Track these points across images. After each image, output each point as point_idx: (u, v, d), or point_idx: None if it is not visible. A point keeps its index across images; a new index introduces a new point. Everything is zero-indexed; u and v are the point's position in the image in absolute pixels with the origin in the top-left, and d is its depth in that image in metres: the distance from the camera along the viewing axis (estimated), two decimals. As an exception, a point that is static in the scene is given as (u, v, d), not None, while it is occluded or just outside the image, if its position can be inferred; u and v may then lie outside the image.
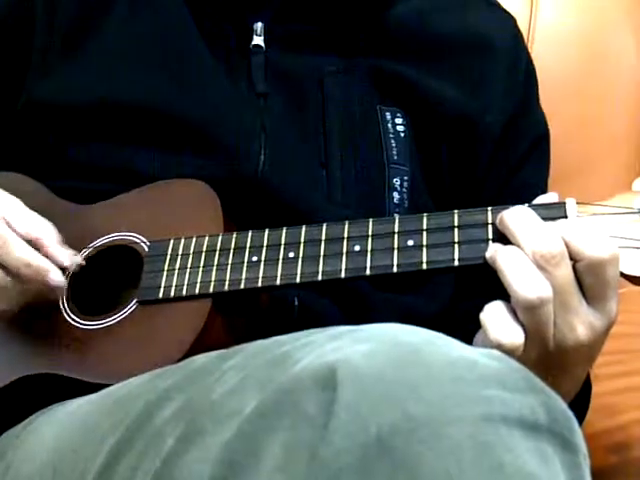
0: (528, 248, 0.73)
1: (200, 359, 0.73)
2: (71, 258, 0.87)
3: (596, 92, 1.32)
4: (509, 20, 1.08)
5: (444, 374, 0.59)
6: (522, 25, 1.10)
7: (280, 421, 0.60)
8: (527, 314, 0.74)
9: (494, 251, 0.76)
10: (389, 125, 0.97)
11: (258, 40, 0.98)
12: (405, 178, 0.96)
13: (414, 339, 0.63)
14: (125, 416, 0.71)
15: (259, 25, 0.98)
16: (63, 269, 0.86)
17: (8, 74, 1.02)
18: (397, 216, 0.82)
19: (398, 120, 0.97)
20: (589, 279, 0.74)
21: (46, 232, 0.87)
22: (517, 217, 0.75)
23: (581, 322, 0.75)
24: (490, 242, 0.78)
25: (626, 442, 1.00)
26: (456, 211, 0.80)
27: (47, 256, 0.86)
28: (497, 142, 1.00)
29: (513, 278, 0.73)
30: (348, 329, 0.66)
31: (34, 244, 0.86)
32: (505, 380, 0.60)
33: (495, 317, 0.75)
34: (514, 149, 1.03)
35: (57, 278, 0.85)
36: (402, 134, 0.97)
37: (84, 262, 0.89)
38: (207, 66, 0.97)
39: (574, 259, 0.74)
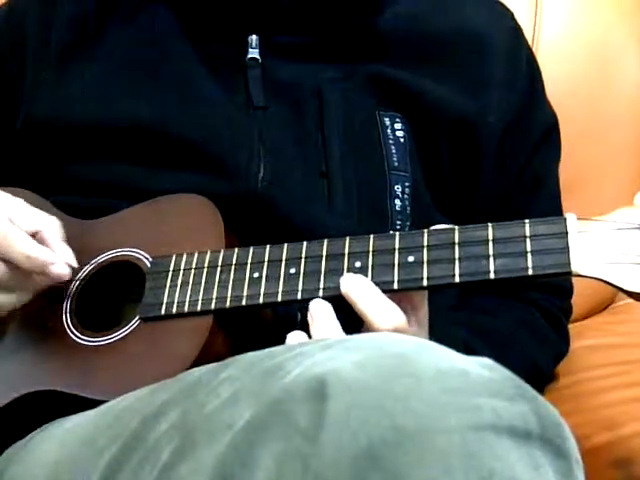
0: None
1: (196, 372, 0.73)
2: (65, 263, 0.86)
3: (600, 103, 1.31)
4: (506, 14, 1.06)
5: (434, 384, 0.59)
6: (526, 36, 1.08)
7: (272, 433, 0.60)
8: None
9: (346, 285, 0.80)
10: (388, 131, 0.96)
11: (253, 53, 0.97)
12: (406, 184, 0.95)
13: (404, 348, 0.63)
14: (123, 430, 0.71)
15: (254, 37, 0.98)
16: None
17: (6, 93, 1.03)
18: (398, 232, 0.82)
19: (397, 125, 0.97)
20: None
21: (49, 226, 0.87)
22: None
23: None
24: (491, 258, 0.78)
25: (628, 456, 0.99)
26: (457, 227, 0.80)
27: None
28: (502, 140, 0.99)
29: (366, 309, 0.79)
30: (339, 339, 0.67)
31: (37, 238, 0.86)
32: (496, 388, 0.59)
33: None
34: (523, 143, 1.02)
35: (59, 270, 0.84)
36: (402, 139, 0.96)
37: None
38: (204, 82, 0.97)
39: None
